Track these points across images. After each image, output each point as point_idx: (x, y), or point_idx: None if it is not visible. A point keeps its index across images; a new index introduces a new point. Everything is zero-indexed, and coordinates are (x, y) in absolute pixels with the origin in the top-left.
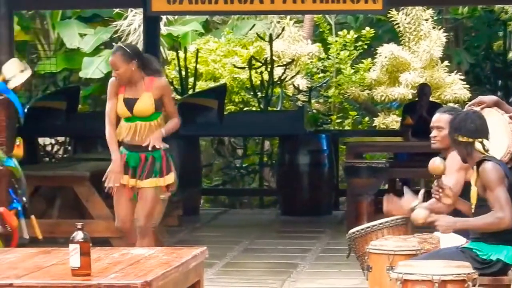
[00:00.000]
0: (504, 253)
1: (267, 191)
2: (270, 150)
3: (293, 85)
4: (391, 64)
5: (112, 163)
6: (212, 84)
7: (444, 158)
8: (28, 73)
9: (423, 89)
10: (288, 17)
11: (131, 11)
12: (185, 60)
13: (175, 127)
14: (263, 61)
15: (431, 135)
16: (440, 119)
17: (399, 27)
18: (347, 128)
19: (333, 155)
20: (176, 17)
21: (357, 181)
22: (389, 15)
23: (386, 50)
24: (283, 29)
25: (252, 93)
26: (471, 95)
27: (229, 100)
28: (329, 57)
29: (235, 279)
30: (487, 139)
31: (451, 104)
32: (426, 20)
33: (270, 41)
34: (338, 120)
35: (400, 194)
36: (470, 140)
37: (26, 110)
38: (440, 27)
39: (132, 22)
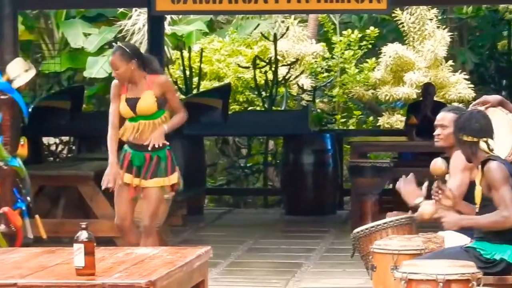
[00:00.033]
0: (508, 252)
1: (271, 190)
2: (275, 149)
3: (298, 85)
4: (395, 64)
5: (109, 166)
6: (216, 84)
7: (448, 157)
8: (32, 72)
9: (428, 89)
10: (293, 16)
11: (136, 10)
12: (189, 60)
13: (180, 121)
14: (267, 61)
15: (435, 133)
16: (444, 117)
17: (403, 26)
18: (351, 127)
19: (337, 155)
20: (180, 16)
21: (362, 180)
22: (393, 15)
23: (391, 50)
24: (287, 29)
25: (256, 93)
26: (476, 95)
27: (233, 100)
28: (334, 56)
29: (240, 279)
30: (492, 138)
31: (455, 104)
32: (431, 19)
33: (275, 40)
34: (343, 120)
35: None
36: (475, 139)
37: (30, 110)
38: (444, 26)
39: (137, 21)
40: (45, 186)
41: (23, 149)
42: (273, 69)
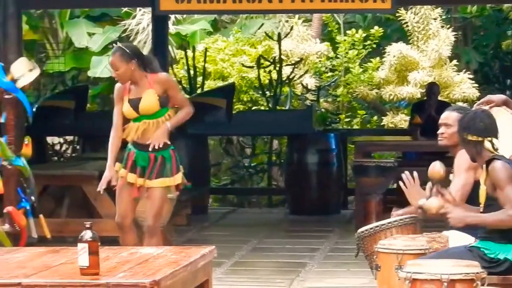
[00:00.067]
0: None
1: (275, 190)
2: (279, 149)
3: (302, 84)
4: (399, 63)
5: (106, 169)
6: (220, 83)
7: (451, 157)
8: (36, 72)
9: (432, 88)
10: (297, 16)
11: (140, 10)
12: (193, 59)
13: (186, 116)
14: (271, 60)
15: (439, 131)
16: (449, 116)
17: (407, 26)
18: (355, 127)
19: (341, 154)
20: (184, 16)
21: (366, 180)
22: (397, 14)
23: (395, 49)
24: (291, 28)
25: (260, 92)
26: (480, 94)
27: (237, 99)
28: (338, 56)
29: (244, 278)
30: (497, 138)
31: (459, 103)
32: (435, 19)
33: (279, 40)
34: (347, 119)
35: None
36: (480, 139)
37: (34, 109)
38: (448, 26)
39: (141, 21)
40: (49, 185)
41: (27, 149)
42: (277, 68)
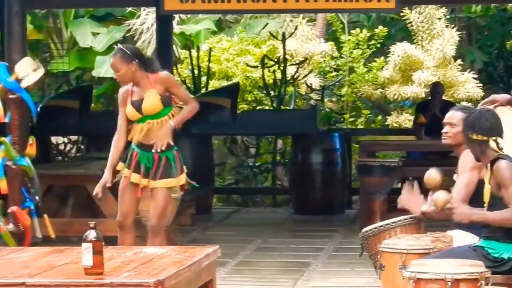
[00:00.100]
0: None
1: (280, 190)
2: (283, 149)
3: (306, 84)
4: (404, 63)
5: (105, 172)
6: (225, 83)
7: (455, 156)
8: (41, 72)
9: (436, 88)
10: (301, 16)
11: (144, 10)
12: (198, 59)
13: (191, 112)
14: (276, 60)
15: (443, 130)
16: (453, 116)
17: (412, 25)
18: (360, 126)
19: (346, 154)
20: (188, 16)
21: (370, 179)
22: (402, 14)
23: (399, 49)
24: (296, 28)
25: (265, 92)
26: (484, 94)
27: (242, 99)
28: (342, 55)
29: (248, 278)
30: (501, 137)
31: (464, 103)
32: (439, 18)
33: (283, 39)
34: (351, 119)
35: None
36: (485, 138)
37: (39, 109)
38: (453, 25)
39: (145, 21)
40: (54, 185)
41: (31, 149)
42: (281, 68)
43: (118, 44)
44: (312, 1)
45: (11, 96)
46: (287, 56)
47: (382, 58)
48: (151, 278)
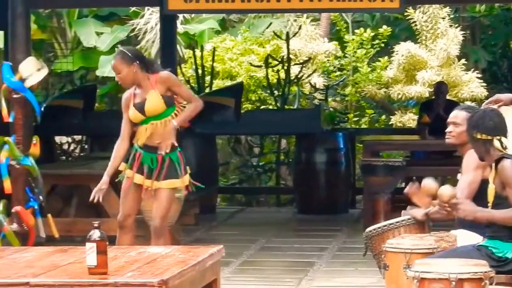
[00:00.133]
0: None
1: (283, 189)
2: (287, 148)
3: (310, 84)
4: (408, 62)
5: (103, 177)
6: (228, 83)
7: (459, 156)
8: (44, 71)
9: (440, 87)
10: (305, 15)
11: (148, 9)
12: (201, 59)
13: (194, 110)
14: (279, 60)
15: (447, 130)
16: (457, 115)
17: (416, 25)
18: (364, 126)
19: (349, 154)
20: (192, 15)
21: (374, 179)
22: (406, 13)
23: (403, 48)
24: (299, 28)
25: (268, 92)
26: (488, 93)
27: (245, 99)
28: (346, 55)
29: (252, 278)
30: (506, 137)
31: (468, 102)
32: (443, 18)
33: (287, 39)
34: (355, 119)
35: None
36: (489, 137)
37: (42, 109)
38: (457, 25)
39: (149, 20)
40: (58, 185)
41: (35, 148)
42: (285, 68)
43: (119, 46)
44: (316, 1)
45: (15, 96)
46: (291, 56)
47: (386, 57)
48: (155, 277)
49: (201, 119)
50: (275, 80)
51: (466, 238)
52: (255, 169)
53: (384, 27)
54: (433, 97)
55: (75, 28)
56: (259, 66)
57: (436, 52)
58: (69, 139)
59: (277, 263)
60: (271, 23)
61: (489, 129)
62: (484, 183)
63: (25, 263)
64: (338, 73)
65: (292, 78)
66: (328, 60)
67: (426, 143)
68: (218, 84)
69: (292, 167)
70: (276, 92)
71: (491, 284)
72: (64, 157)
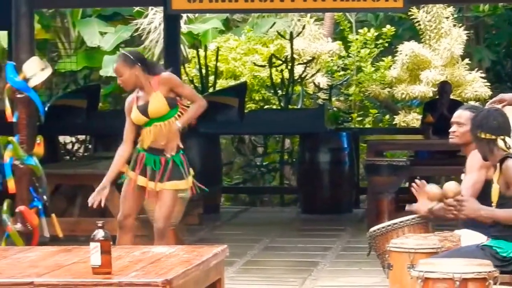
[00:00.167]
0: None
1: (287, 189)
2: (291, 148)
3: (314, 83)
4: (411, 62)
5: (103, 181)
6: (232, 82)
7: (463, 155)
8: (48, 71)
9: (444, 87)
10: (309, 15)
11: (152, 9)
12: (205, 58)
13: (198, 110)
14: (283, 59)
15: (451, 130)
16: (461, 115)
17: (419, 25)
18: (367, 126)
19: (353, 153)
20: (196, 15)
21: (378, 179)
22: (409, 13)
23: (407, 48)
24: (303, 27)
25: (272, 91)
26: (492, 93)
27: (249, 98)
28: (350, 55)
29: (256, 277)
30: (509, 136)
31: (471, 102)
32: (447, 18)
33: (291, 39)
34: (359, 118)
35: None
36: (493, 137)
37: (46, 109)
38: (460, 24)
39: (153, 20)
40: (62, 184)
41: (39, 148)
42: (289, 67)
43: (123, 46)
44: (319, 1)
45: (18, 96)
46: (294, 56)
47: (390, 57)
48: (159, 277)
49: (204, 118)
50: (278, 80)
51: (470, 238)
52: (258, 169)
53: (388, 26)
54: (437, 97)
55: (79, 28)
56: (263, 66)
57: (440, 51)
58: (73, 139)
59: (281, 263)
60: (274, 23)
61: (493, 128)
62: (488, 183)
63: (29, 262)
64: (341, 72)
65: (295, 77)
66: (331, 59)
67: (430, 143)
68: (221, 83)
69: (296, 167)
70: (279, 92)
71: (495, 284)
72: (68, 157)
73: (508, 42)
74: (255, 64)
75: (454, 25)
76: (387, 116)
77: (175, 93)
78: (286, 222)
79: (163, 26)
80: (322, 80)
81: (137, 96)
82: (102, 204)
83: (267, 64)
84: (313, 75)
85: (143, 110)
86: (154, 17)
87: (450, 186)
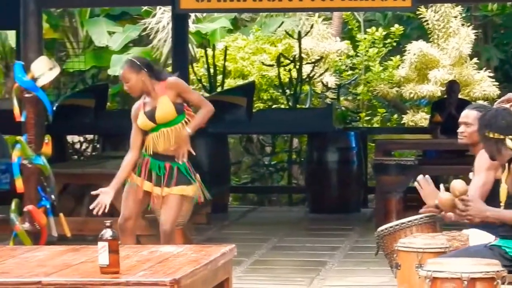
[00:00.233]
0: None
1: (295, 188)
2: (299, 147)
3: (322, 83)
4: (420, 61)
5: (108, 188)
6: (240, 82)
7: (473, 155)
8: (56, 71)
9: (452, 86)
10: (317, 14)
11: (160, 8)
12: (213, 58)
13: (206, 115)
14: (291, 59)
15: (459, 130)
16: (468, 115)
17: (428, 24)
18: (375, 125)
19: (361, 153)
20: (204, 14)
21: (386, 178)
22: (418, 12)
23: (415, 47)
24: (311, 27)
25: (280, 91)
26: (500, 92)
27: (257, 98)
28: (358, 54)
29: (264, 277)
30: None
31: (480, 101)
32: (455, 17)
33: (299, 38)
34: (367, 118)
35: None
36: (501, 136)
37: (54, 108)
38: (469, 24)
39: (161, 19)
40: (70, 184)
41: (47, 147)
42: (297, 67)
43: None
44: (328, 0)
45: (27, 95)
46: (302, 55)
47: (398, 56)
48: (167, 277)
49: (213, 118)
50: (287, 79)
51: (478, 237)
52: (267, 168)
53: (396, 26)
54: (445, 96)
55: (87, 27)
56: (271, 65)
57: (448, 51)
58: (81, 138)
59: (289, 262)
60: (283, 22)
61: (502, 128)
62: (496, 183)
63: (37, 262)
64: (350, 72)
65: (304, 77)
66: (340, 59)
67: (438, 142)
68: (230, 83)
69: (304, 166)
70: (288, 91)
71: (503, 283)
72: (76, 156)
73: None
74: (263, 63)
75: (463, 24)
76: (395, 116)
77: (182, 98)
78: (294, 221)
79: (171, 26)
80: (330, 80)
81: (144, 102)
82: (106, 210)
83: (275, 64)
84: (321, 75)
85: (151, 116)
86: (162, 17)
87: (457, 184)
